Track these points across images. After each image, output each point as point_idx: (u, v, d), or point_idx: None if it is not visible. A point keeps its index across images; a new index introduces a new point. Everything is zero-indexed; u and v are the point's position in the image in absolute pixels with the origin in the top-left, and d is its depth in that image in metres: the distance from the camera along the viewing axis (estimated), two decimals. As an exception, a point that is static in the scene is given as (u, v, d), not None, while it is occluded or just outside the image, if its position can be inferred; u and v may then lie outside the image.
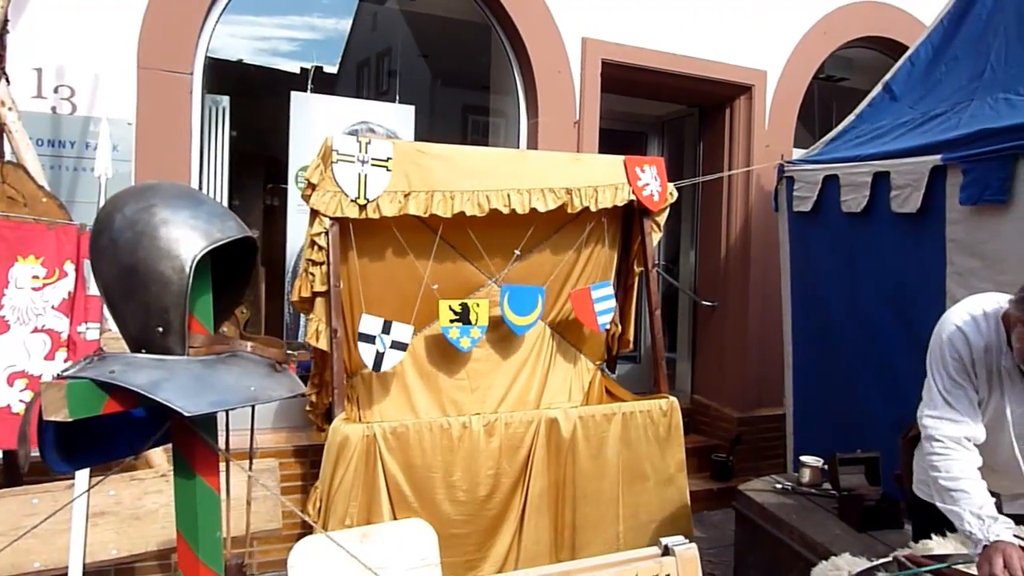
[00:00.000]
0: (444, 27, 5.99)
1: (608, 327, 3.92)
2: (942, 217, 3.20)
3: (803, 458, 3.58)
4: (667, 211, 3.92)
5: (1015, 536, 1.98)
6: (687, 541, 1.73)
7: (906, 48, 4.14)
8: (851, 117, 4.08)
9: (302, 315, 3.99)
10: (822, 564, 2.25)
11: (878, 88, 4.00)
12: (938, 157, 3.23)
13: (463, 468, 3.26)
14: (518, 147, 4.86)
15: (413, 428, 3.18)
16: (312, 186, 3.19)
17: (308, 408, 3.67)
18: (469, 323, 3.51)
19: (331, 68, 6.41)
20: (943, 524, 2.23)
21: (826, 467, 3.49)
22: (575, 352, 4.07)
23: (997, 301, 2.21)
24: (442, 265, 3.55)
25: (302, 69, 5.93)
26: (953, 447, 2.20)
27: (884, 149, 3.60)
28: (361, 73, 6.90)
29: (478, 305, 3.52)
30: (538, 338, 3.93)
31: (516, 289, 3.62)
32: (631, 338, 4.16)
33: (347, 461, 3.05)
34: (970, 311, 2.24)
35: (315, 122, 4.37)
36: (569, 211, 3.57)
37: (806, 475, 3.54)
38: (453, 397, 3.74)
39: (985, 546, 1.97)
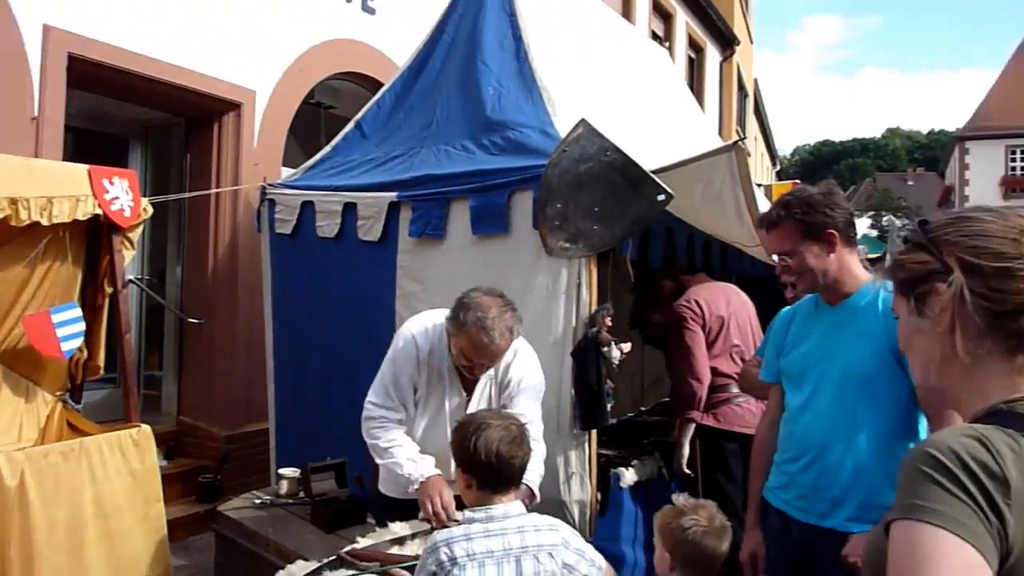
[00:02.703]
0: None
1: (74, 353, 3.54)
2: (395, 246, 3.68)
3: (281, 471, 3.73)
4: (141, 227, 3.71)
5: None
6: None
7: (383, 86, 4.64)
8: (327, 148, 4.41)
9: None
10: (279, 573, 2.39)
11: (351, 125, 4.40)
12: (394, 194, 3.71)
13: None
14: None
15: None
16: None
17: None
18: None
19: None
20: (402, 515, 2.69)
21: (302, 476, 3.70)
22: (28, 384, 3.57)
23: (443, 316, 2.75)
24: None
25: None
26: (388, 423, 2.75)
27: (353, 182, 3.98)
28: None
29: None
30: (-24, 370, 3.34)
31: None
32: (101, 363, 3.82)
33: None
34: (423, 322, 2.81)
35: None
36: (14, 223, 3.13)
37: (284, 487, 3.69)
38: None
39: (422, 483, 2.53)
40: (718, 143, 3.81)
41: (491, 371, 2.81)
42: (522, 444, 2.07)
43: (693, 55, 15.04)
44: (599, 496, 3.39)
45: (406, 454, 2.67)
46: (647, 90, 4.85)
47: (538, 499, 2.69)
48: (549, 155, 3.22)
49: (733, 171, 3.16)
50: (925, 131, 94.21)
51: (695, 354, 3.77)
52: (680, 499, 2.29)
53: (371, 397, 2.80)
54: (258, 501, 3.62)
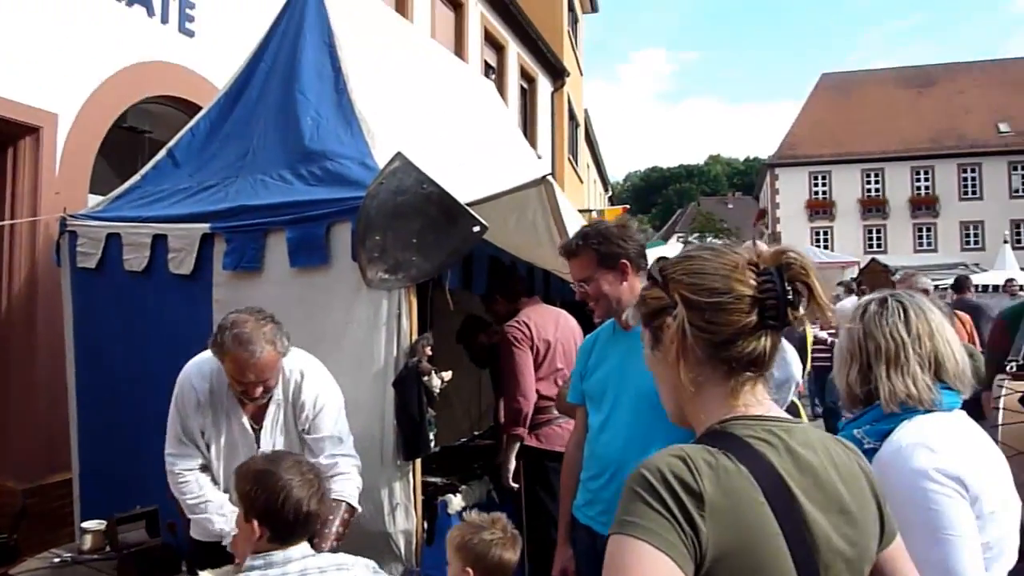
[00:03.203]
0: None
1: None
2: (210, 279, 3.55)
3: (83, 524, 3.46)
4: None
5: None
6: None
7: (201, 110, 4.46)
8: (136, 177, 4.18)
9: None
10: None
11: (162, 153, 4.20)
12: (207, 225, 3.58)
13: None
14: None
15: None
16: None
17: None
18: None
19: None
20: (217, 561, 2.57)
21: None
22: None
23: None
24: None
25: None
26: (190, 474, 2.75)
27: (163, 213, 3.80)
28: None
29: None
30: None
31: None
32: None
33: None
34: (199, 363, 2.82)
35: None
36: None
37: (87, 541, 3.42)
38: None
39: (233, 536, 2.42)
40: (543, 171, 3.98)
41: (278, 395, 2.79)
42: (324, 496, 2.14)
43: (525, 85, 15.59)
44: (426, 525, 3.41)
45: (215, 508, 2.71)
46: (470, 123, 4.98)
47: (359, 510, 2.73)
48: (368, 186, 3.24)
49: (544, 203, 3.32)
50: (742, 158, 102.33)
51: (523, 372, 3.89)
52: (473, 515, 2.37)
53: (168, 448, 2.82)
54: (57, 560, 3.35)
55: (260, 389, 2.67)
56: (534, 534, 3.63)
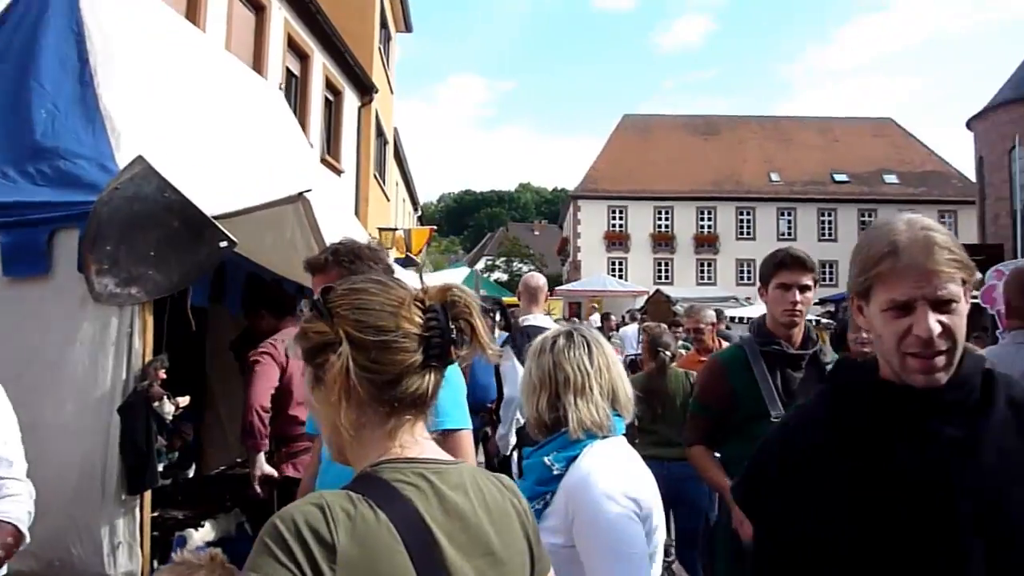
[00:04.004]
0: None
1: None
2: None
3: None
4: None
5: None
6: None
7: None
8: None
9: None
10: None
11: None
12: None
13: None
14: None
15: None
16: None
17: None
18: None
19: None
20: None
21: None
22: None
23: None
24: None
25: None
26: None
27: None
28: None
29: None
30: None
31: None
32: None
33: None
34: None
35: None
36: None
37: None
38: None
39: None
40: (331, 185, 3.83)
41: None
42: None
43: (331, 97, 15.22)
44: (155, 564, 3.12)
45: None
46: (244, 132, 4.72)
47: (27, 539, 2.39)
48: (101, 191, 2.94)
49: (302, 220, 3.18)
50: (551, 187, 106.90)
51: (256, 386, 3.69)
52: (186, 554, 2.18)
53: None
54: None
55: None
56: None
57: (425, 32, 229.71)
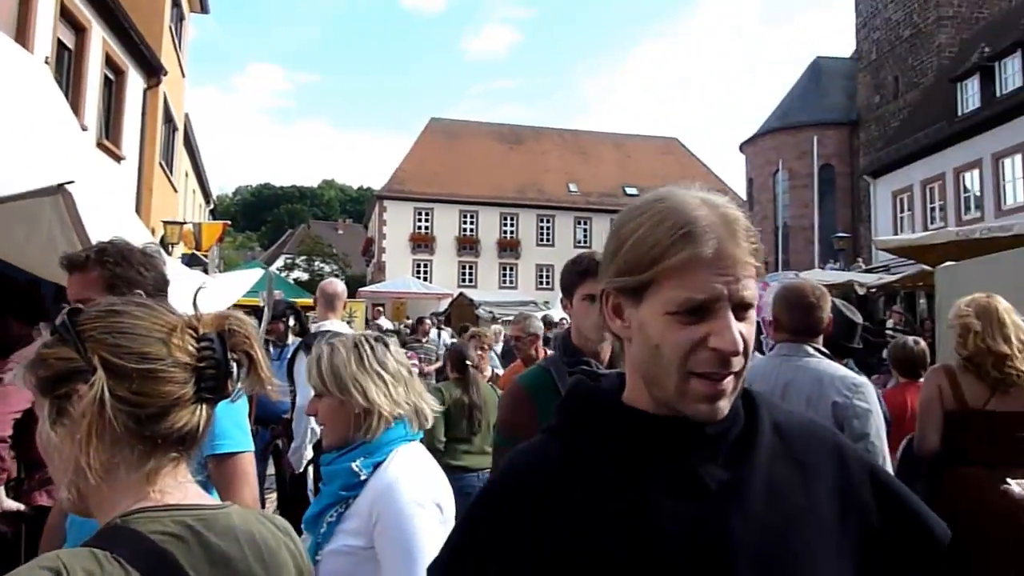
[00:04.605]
0: None
1: None
2: None
3: None
4: None
5: None
6: None
7: None
8: None
9: None
10: None
11: None
12: None
13: None
14: None
15: None
16: None
17: None
18: None
19: None
20: None
21: None
22: None
23: None
24: None
25: None
26: None
27: None
28: None
29: None
30: None
31: None
32: None
33: None
34: None
35: None
36: None
37: None
38: None
39: None
40: (107, 172, 3.36)
41: None
42: None
43: (112, 76, 13.80)
44: None
45: None
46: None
47: None
48: None
49: (63, 216, 2.78)
50: (356, 186, 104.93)
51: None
52: None
53: None
54: None
55: None
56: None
57: (224, 17, 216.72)
